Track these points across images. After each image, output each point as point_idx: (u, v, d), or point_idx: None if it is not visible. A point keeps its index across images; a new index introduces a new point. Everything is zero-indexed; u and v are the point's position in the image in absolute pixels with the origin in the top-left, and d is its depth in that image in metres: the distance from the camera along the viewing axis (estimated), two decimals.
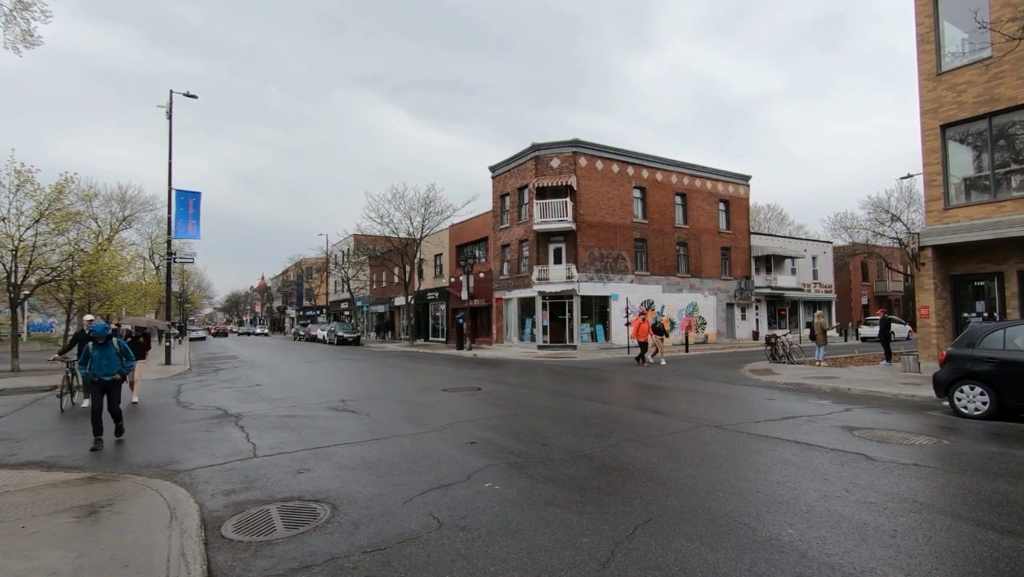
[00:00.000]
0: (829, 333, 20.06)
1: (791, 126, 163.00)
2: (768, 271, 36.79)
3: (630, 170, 29.76)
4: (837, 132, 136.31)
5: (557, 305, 27.78)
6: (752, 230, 37.11)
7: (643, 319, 19.82)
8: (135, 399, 11.20)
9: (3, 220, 17.67)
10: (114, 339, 7.46)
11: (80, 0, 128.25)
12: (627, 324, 25.52)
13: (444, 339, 38.00)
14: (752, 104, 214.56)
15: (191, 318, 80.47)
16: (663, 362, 19.26)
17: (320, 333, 45.38)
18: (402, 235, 35.48)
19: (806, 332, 36.58)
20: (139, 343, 11.97)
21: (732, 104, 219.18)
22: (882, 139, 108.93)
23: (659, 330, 19.93)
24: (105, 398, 7.39)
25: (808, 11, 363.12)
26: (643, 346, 19.15)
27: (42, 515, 4.56)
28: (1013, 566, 3.48)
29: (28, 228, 18.12)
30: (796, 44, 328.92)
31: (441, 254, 39.45)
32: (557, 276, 27.13)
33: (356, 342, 39.55)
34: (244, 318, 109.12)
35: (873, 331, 28.05)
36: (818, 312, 21.44)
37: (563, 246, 27.86)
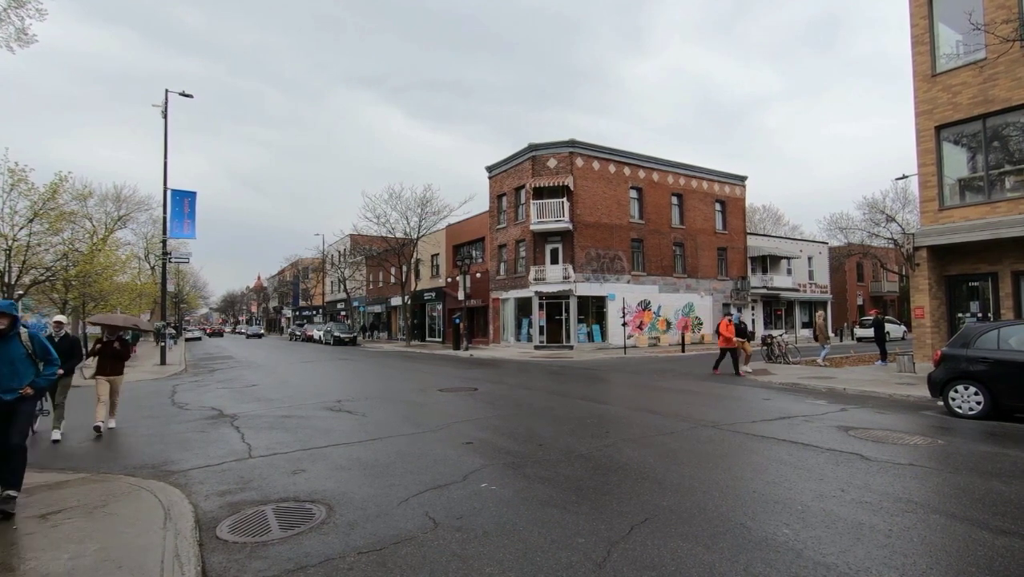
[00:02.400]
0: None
1: (787, 127, 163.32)
2: (764, 271, 36.91)
3: (627, 170, 29.80)
4: (833, 133, 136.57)
5: (554, 305, 27.78)
6: (748, 231, 37.22)
7: (730, 320, 16.00)
8: (109, 425, 8.56)
9: None
10: (24, 332, 4.90)
11: (79, 1, 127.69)
12: (624, 324, 25.59)
13: (441, 339, 37.97)
14: (749, 105, 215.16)
15: (187, 318, 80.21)
16: (750, 369, 15.76)
17: (316, 333, 45.25)
18: (399, 235, 35.45)
19: (802, 332, 36.74)
20: (114, 349, 8.72)
21: (729, 105, 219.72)
22: (878, 140, 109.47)
23: (742, 332, 16.10)
24: (9, 425, 4.72)
25: (805, 13, 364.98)
26: (733, 353, 15.52)
27: (35, 517, 4.53)
28: (1007, 565, 3.50)
29: (22, 228, 18.06)
30: (793, 46, 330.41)
31: (438, 254, 39.42)
32: (554, 276, 27.14)
33: (352, 342, 39.45)
34: (241, 318, 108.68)
35: (868, 332, 28.16)
36: (819, 313, 21.51)
37: (560, 246, 27.87)
